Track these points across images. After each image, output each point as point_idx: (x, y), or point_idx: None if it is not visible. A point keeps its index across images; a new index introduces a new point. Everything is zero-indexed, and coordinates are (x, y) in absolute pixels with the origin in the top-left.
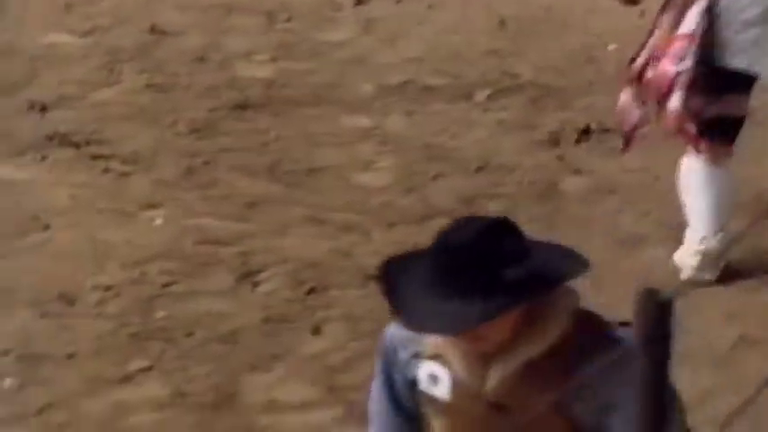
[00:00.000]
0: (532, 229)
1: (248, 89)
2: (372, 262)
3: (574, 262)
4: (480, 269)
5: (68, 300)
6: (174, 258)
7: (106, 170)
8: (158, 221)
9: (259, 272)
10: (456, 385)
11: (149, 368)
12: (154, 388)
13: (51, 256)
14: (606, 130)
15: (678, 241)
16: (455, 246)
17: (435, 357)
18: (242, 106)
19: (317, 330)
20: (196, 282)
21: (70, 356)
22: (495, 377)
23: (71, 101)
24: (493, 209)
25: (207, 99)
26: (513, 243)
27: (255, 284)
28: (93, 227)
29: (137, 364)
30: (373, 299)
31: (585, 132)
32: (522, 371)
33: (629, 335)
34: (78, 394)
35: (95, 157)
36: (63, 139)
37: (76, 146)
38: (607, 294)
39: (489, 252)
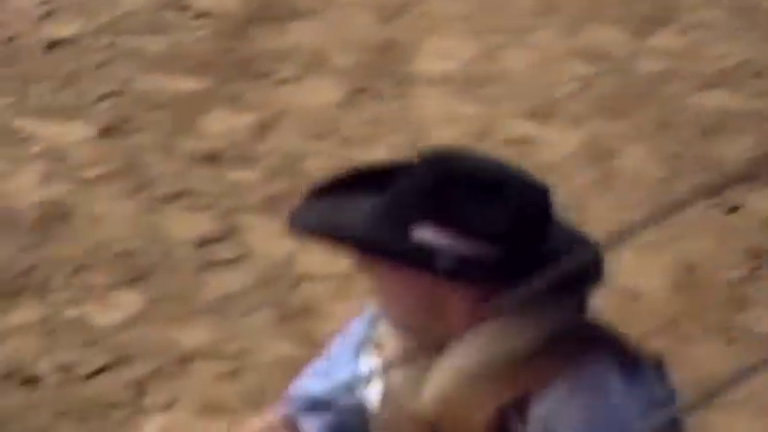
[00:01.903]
0: None
1: None
2: None
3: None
4: (418, 202)
5: None
6: None
7: None
8: None
9: None
10: (388, 391)
11: None
12: None
13: None
14: None
15: None
16: (427, 167)
17: (379, 347)
18: None
19: None
20: None
21: None
22: (432, 387)
23: None
24: None
25: None
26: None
27: None
28: None
29: None
30: None
31: None
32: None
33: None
34: None
35: None
36: None
37: None
38: None
39: (444, 195)
